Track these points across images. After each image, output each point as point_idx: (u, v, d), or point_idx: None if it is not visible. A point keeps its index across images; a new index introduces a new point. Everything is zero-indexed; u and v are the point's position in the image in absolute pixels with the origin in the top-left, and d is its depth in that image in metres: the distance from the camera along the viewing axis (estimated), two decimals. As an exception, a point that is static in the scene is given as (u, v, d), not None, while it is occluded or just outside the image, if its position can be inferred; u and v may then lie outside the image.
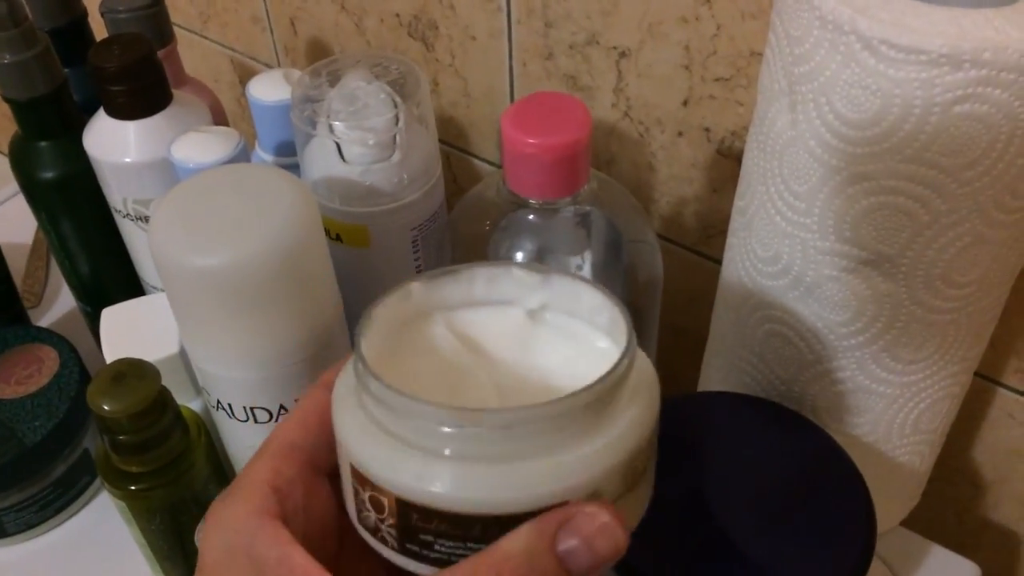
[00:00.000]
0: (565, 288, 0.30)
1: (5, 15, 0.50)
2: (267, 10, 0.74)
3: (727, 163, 0.55)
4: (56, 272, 0.73)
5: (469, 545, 0.25)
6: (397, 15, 0.64)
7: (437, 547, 0.25)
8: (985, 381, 0.54)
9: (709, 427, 0.45)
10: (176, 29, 0.83)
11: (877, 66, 0.34)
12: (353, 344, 0.27)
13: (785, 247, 0.41)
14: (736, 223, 0.45)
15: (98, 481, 0.57)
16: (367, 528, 0.27)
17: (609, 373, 0.25)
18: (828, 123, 0.36)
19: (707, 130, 0.54)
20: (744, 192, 0.44)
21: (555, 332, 0.30)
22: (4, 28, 0.50)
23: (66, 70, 0.55)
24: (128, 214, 0.53)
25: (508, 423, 0.24)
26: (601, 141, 0.59)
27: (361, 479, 0.26)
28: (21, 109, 0.53)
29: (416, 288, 0.29)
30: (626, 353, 0.26)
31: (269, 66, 0.79)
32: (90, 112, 0.53)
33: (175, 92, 0.52)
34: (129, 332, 0.49)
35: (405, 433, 0.25)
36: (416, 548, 0.25)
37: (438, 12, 0.62)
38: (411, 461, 0.24)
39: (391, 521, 0.25)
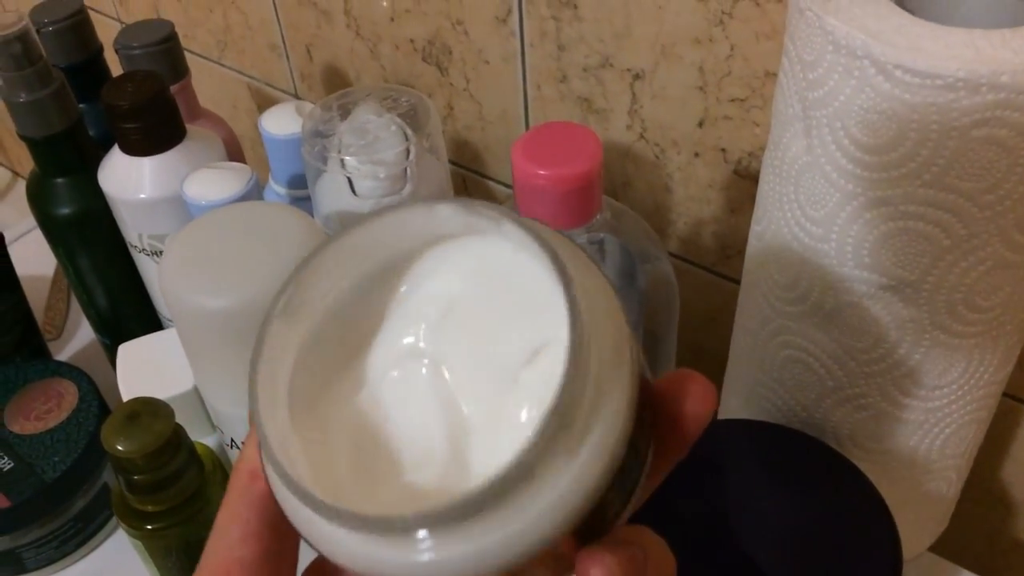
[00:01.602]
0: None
1: (20, 54, 0.50)
2: (283, 37, 0.74)
3: (744, 183, 0.54)
4: (77, 304, 0.73)
5: None
6: (411, 41, 0.64)
7: None
8: (1014, 401, 0.53)
9: (730, 456, 0.44)
10: (194, 57, 0.84)
11: (892, 91, 0.33)
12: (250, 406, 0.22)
13: (804, 273, 0.41)
14: (753, 248, 0.45)
15: (118, 516, 0.57)
16: None
17: (522, 453, 0.19)
18: (844, 148, 0.36)
19: (723, 151, 0.54)
20: (761, 217, 0.43)
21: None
22: (19, 67, 0.50)
23: (83, 106, 0.56)
24: (144, 249, 0.53)
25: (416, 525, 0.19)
26: (617, 163, 0.59)
27: None
28: (37, 147, 0.53)
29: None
30: (562, 393, 0.19)
31: (286, 93, 0.79)
32: (107, 147, 0.54)
33: (189, 127, 0.52)
34: (145, 368, 0.49)
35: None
36: None
37: (452, 37, 0.62)
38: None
39: None
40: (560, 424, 0.19)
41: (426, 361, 0.23)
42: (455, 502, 0.19)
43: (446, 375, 0.23)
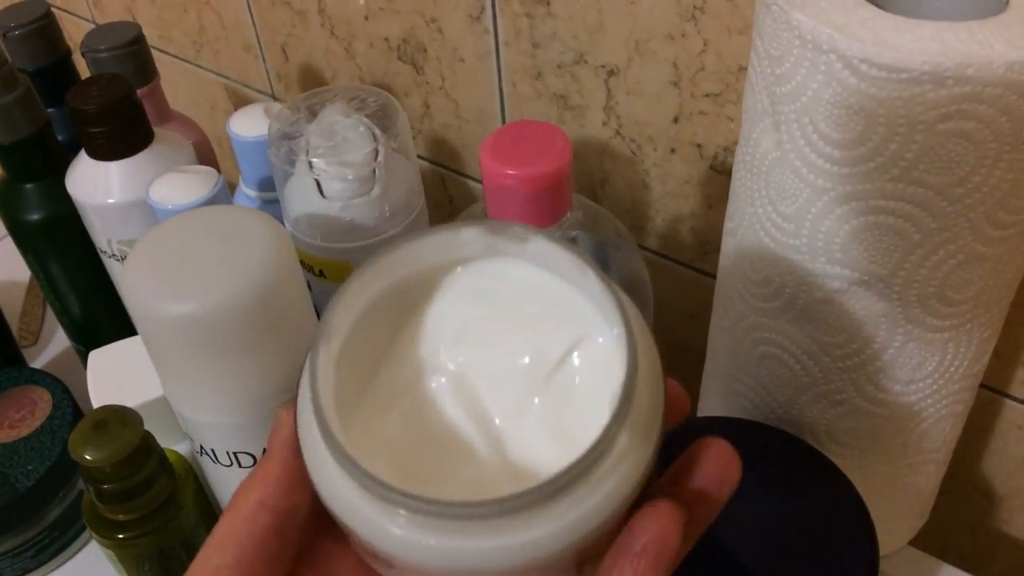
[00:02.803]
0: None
1: (-16, 60, 0.49)
2: (258, 38, 0.74)
3: (721, 179, 0.54)
4: (53, 309, 0.72)
5: None
6: (386, 39, 0.64)
7: None
8: (992, 393, 0.53)
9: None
10: (170, 58, 0.84)
11: (859, 85, 0.33)
12: (308, 375, 0.23)
13: (776, 269, 0.40)
14: (727, 245, 0.44)
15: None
16: None
17: (579, 460, 0.21)
18: (812, 143, 0.35)
19: (699, 146, 0.54)
20: (733, 214, 0.43)
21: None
22: (-16, 72, 0.50)
23: (51, 110, 0.55)
24: (114, 255, 0.53)
25: (466, 515, 0.21)
26: (594, 160, 0.59)
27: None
28: (4, 152, 0.53)
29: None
30: (614, 422, 0.21)
31: (263, 93, 0.79)
32: (76, 152, 0.53)
33: (158, 130, 0.52)
34: (116, 374, 0.48)
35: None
36: None
37: (426, 35, 0.61)
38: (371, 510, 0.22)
39: None
40: (627, 401, 0.21)
41: (450, 376, 0.25)
42: (548, 481, 0.20)
43: (471, 387, 0.25)
